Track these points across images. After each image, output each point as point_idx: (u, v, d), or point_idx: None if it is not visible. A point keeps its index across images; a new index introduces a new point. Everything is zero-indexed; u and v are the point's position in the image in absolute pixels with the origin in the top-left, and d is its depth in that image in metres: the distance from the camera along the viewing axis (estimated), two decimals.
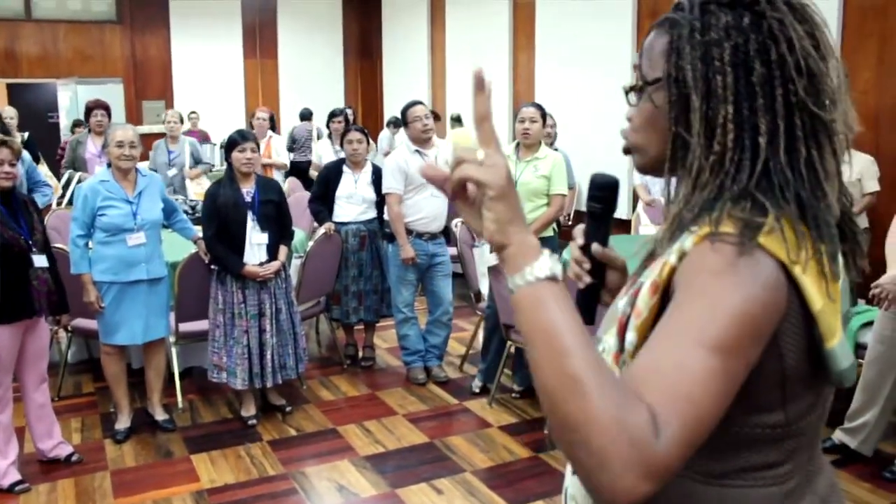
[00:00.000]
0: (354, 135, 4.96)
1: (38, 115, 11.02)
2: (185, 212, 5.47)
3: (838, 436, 3.67)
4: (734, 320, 0.83)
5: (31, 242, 3.42)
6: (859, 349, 3.82)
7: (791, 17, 0.95)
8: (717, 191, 0.94)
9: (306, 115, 9.52)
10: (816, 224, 0.92)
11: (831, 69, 0.95)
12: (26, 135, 6.70)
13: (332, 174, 5.01)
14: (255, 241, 4.05)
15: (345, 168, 4.98)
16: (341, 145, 5.21)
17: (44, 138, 8.36)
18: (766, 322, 0.86)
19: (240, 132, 4.18)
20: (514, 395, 4.51)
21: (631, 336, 0.95)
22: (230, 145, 4.11)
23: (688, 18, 0.97)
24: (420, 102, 4.76)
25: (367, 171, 4.98)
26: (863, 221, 4.97)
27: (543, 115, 4.52)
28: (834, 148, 0.96)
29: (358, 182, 4.94)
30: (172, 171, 6.73)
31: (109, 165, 3.88)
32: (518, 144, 4.52)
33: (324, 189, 5.02)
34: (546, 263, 0.86)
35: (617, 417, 0.75)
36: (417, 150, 4.63)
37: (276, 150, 7.81)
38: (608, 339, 1.02)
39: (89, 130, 6.51)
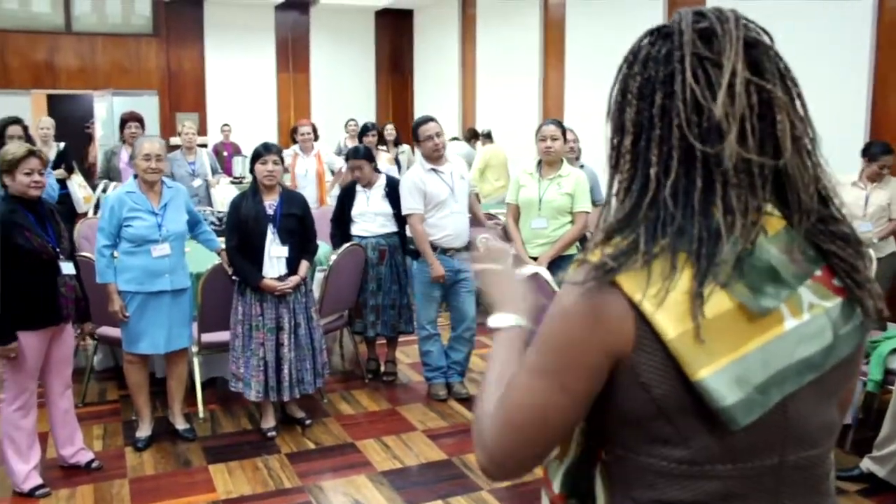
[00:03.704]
0: (354, 162, 4.99)
1: (75, 126, 11.22)
2: (212, 223, 5.53)
3: (866, 464, 3.58)
4: (552, 352, 0.97)
5: (58, 250, 3.48)
6: (888, 375, 3.74)
7: (694, 46, 0.93)
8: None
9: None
10: (698, 259, 0.91)
11: (721, 98, 0.91)
12: (62, 145, 6.83)
13: (346, 195, 5.08)
14: (275, 254, 4.06)
15: (357, 187, 5.01)
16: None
17: (80, 149, 8.53)
18: (592, 351, 0.94)
19: (264, 145, 4.20)
20: None
21: None
22: (254, 157, 4.14)
23: (630, 50, 1.01)
24: (432, 119, 4.71)
25: (380, 185, 4.99)
26: (890, 246, 4.89)
27: (564, 131, 4.50)
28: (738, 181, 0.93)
29: (370, 199, 4.95)
30: (197, 182, 6.80)
31: (136, 176, 3.94)
32: (540, 162, 4.51)
33: (339, 211, 5.09)
34: (494, 320, 1.17)
35: (478, 415, 1.05)
36: (433, 169, 4.62)
37: (327, 163, 7.32)
38: None
39: (123, 141, 6.64)
